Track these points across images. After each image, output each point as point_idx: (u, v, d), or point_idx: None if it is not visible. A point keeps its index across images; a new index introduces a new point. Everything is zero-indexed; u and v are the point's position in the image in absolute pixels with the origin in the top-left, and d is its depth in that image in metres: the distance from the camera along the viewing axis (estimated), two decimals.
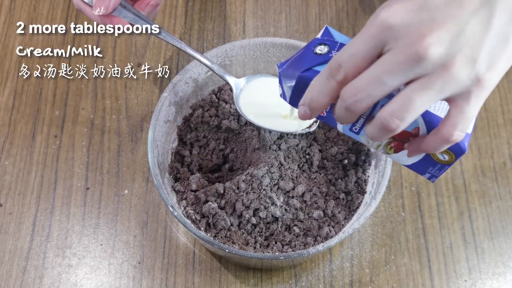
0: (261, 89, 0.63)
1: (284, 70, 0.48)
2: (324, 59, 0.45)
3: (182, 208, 0.61)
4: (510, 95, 0.76)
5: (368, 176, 0.64)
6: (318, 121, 0.62)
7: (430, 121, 0.43)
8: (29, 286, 0.63)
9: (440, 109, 0.44)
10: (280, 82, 0.49)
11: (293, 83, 0.47)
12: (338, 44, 0.46)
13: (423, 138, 0.43)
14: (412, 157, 0.47)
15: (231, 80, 0.62)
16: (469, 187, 0.70)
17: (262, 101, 0.62)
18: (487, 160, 0.71)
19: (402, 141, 0.46)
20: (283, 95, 0.49)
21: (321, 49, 0.46)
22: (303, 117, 0.45)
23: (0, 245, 0.66)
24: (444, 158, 0.46)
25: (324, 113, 0.48)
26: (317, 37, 0.48)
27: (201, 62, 0.61)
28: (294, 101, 0.48)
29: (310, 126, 0.61)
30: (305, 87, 0.44)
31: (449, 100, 0.40)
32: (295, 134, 0.65)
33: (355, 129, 0.47)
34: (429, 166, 0.47)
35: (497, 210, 0.68)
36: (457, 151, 0.44)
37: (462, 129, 0.40)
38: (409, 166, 0.48)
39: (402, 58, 0.37)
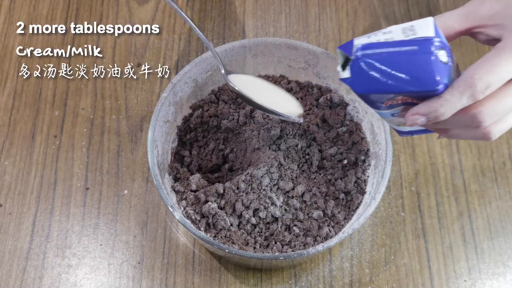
0: (251, 79, 0.62)
1: (376, 60, 0.43)
2: (448, 69, 0.42)
3: (182, 208, 0.61)
4: None
5: (368, 176, 0.64)
6: (302, 115, 0.61)
7: None
8: (29, 286, 0.63)
9: None
10: (357, 68, 0.44)
11: (403, 86, 0.42)
12: (448, 49, 0.42)
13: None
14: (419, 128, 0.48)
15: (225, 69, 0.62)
16: (468, 187, 0.70)
17: (255, 83, 0.61)
18: (486, 160, 0.71)
19: None
20: (353, 83, 0.44)
21: (444, 57, 0.42)
22: (413, 124, 0.44)
23: None
24: None
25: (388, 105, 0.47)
26: (428, 34, 0.42)
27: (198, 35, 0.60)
28: (373, 94, 0.45)
29: (299, 117, 0.60)
30: (425, 97, 0.42)
31: None
32: (295, 134, 0.65)
33: (394, 114, 0.47)
34: (424, 131, 0.49)
35: (496, 210, 0.68)
36: None
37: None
38: (402, 132, 0.50)
39: None
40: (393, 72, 0.42)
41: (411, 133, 0.51)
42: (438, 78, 0.41)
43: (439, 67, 0.41)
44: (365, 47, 0.43)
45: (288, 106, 0.61)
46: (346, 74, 0.44)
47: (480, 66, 0.40)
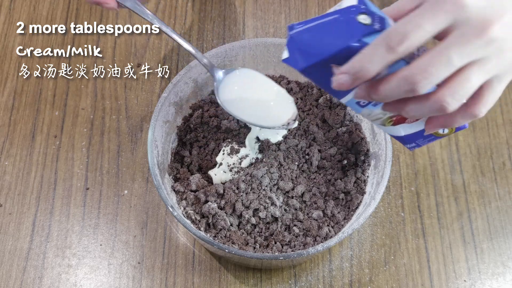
0: (240, 82, 0.62)
1: (304, 35, 0.44)
2: (369, 30, 0.42)
3: (182, 208, 0.61)
4: (510, 96, 0.76)
5: (368, 177, 0.64)
6: (297, 119, 0.61)
7: None
8: (29, 286, 0.63)
9: None
10: (292, 47, 0.45)
11: (326, 51, 0.43)
12: (378, 17, 0.43)
13: (447, 116, 0.43)
14: (409, 128, 0.47)
15: (214, 70, 0.61)
16: (468, 187, 0.70)
17: (241, 94, 0.61)
18: (486, 160, 0.72)
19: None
20: (292, 61, 0.45)
21: (365, 19, 0.42)
22: (339, 86, 0.42)
23: None
24: (444, 132, 0.46)
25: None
26: (352, 4, 0.44)
27: (184, 46, 0.60)
28: (312, 70, 0.45)
29: (288, 124, 0.60)
30: (347, 58, 0.42)
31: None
32: (295, 134, 0.65)
33: (363, 103, 0.46)
34: (420, 138, 0.48)
35: (496, 210, 0.68)
36: (460, 127, 0.45)
37: (489, 107, 0.42)
38: (397, 137, 0.48)
39: (472, 39, 0.38)
40: (319, 41, 0.43)
41: (413, 139, 0.50)
42: (351, 35, 0.42)
43: (356, 27, 0.42)
44: (297, 25, 0.45)
45: (281, 110, 0.61)
46: (285, 54, 0.46)
47: (398, 22, 0.41)
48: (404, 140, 0.49)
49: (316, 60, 0.44)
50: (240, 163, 0.63)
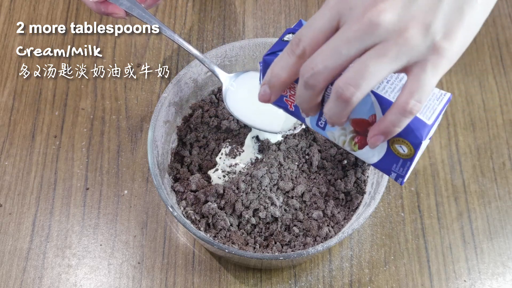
0: (248, 85, 0.62)
1: (267, 60, 0.48)
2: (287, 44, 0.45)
3: (182, 208, 0.61)
4: (510, 96, 0.76)
5: (368, 177, 0.64)
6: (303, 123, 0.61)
7: (387, 107, 0.42)
8: (29, 287, 0.63)
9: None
10: (260, 72, 0.49)
11: (261, 72, 0.47)
12: None
13: (381, 119, 0.42)
14: (376, 152, 0.46)
15: (221, 74, 0.62)
16: (468, 187, 0.70)
17: (249, 99, 0.62)
18: (486, 160, 0.72)
19: (364, 134, 0.45)
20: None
21: (289, 38, 0.46)
22: (262, 97, 0.44)
23: None
24: (404, 151, 0.45)
25: (293, 107, 0.48)
26: (289, 27, 0.48)
27: (191, 52, 0.61)
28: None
29: (294, 128, 0.61)
30: None
31: (407, 70, 0.39)
32: (295, 135, 0.65)
33: (321, 123, 0.47)
34: (392, 163, 0.46)
35: (496, 210, 0.68)
36: (412, 139, 0.43)
37: (419, 99, 0.39)
38: (375, 165, 0.48)
39: (356, 26, 0.38)
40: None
41: (389, 166, 0.47)
42: (269, 52, 0.47)
43: (278, 45, 0.46)
44: (270, 51, 0.48)
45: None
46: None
47: None
48: (383, 167, 0.48)
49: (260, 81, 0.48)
50: (234, 172, 0.63)
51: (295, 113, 0.49)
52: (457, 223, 0.68)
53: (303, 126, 0.61)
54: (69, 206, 0.68)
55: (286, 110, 0.49)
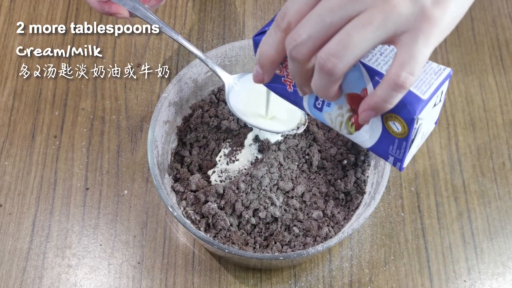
0: (251, 86, 0.62)
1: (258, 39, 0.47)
2: None
3: (182, 208, 0.61)
4: (510, 96, 0.76)
5: (368, 177, 0.64)
6: (306, 123, 0.61)
7: (379, 80, 0.40)
8: (29, 287, 0.63)
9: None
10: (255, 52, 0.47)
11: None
12: None
13: (371, 94, 0.40)
14: (372, 132, 0.44)
15: (224, 75, 0.62)
16: (468, 187, 0.70)
17: (252, 99, 0.62)
18: (486, 160, 0.72)
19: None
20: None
21: None
22: (255, 78, 0.43)
23: None
24: (398, 129, 0.42)
25: (291, 87, 0.47)
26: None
27: (194, 53, 0.61)
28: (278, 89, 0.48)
29: (298, 128, 0.61)
30: None
31: (396, 41, 0.37)
32: (295, 134, 0.65)
33: (318, 104, 0.45)
34: (389, 145, 0.44)
35: (496, 210, 0.68)
36: (405, 114, 0.40)
37: (411, 71, 0.36)
38: (372, 149, 0.45)
39: None
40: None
41: (386, 148, 0.45)
42: (261, 31, 0.46)
43: (269, 24, 0.45)
44: (260, 31, 0.46)
45: (291, 114, 0.61)
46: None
47: None
48: (380, 151, 0.46)
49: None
50: (234, 172, 0.63)
51: (293, 96, 0.46)
52: (457, 223, 0.68)
53: (305, 126, 0.61)
54: (69, 206, 0.68)
55: (285, 92, 0.47)
